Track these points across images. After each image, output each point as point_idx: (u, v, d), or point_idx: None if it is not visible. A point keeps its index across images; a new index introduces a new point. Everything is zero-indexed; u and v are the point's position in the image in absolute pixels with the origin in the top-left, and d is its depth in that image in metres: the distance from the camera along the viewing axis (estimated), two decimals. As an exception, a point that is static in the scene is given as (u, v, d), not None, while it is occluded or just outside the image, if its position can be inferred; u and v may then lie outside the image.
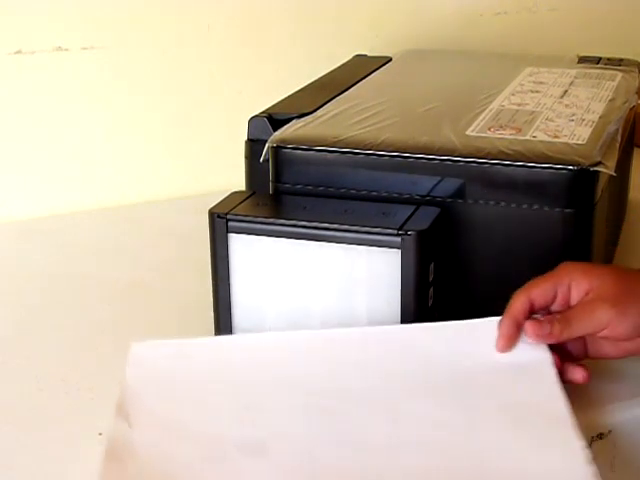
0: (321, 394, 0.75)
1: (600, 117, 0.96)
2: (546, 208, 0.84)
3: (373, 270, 0.83)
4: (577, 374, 0.78)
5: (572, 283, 0.79)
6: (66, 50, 1.21)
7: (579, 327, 0.77)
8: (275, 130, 0.93)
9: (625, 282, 0.79)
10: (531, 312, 0.79)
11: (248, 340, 0.83)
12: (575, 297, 0.79)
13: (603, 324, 0.77)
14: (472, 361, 0.77)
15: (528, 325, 0.77)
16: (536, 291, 0.79)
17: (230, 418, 0.73)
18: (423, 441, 0.70)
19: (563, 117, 0.95)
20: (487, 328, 0.79)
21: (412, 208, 0.85)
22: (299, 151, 0.90)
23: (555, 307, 0.80)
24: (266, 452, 0.69)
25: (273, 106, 1.00)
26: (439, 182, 0.87)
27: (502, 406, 0.73)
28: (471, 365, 0.77)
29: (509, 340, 0.78)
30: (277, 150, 0.90)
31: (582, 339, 0.80)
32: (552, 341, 0.77)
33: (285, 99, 1.03)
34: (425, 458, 0.68)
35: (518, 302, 0.79)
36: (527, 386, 0.75)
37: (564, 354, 0.80)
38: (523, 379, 0.76)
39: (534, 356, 0.77)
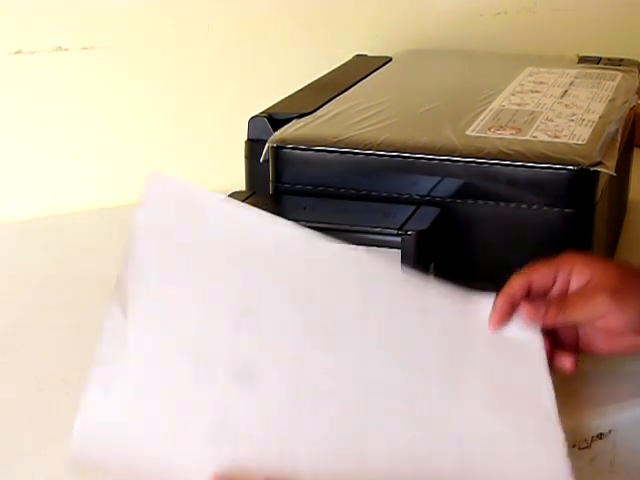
0: (322, 314, 0.73)
1: (600, 117, 0.96)
2: (546, 208, 0.84)
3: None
4: (566, 362, 0.77)
5: (573, 271, 0.78)
6: (66, 50, 1.21)
7: (575, 313, 0.77)
8: (275, 130, 0.93)
9: (627, 276, 0.78)
10: (529, 294, 0.78)
11: (265, 221, 0.76)
12: (575, 285, 0.78)
13: (600, 313, 0.76)
14: (465, 334, 0.76)
15: (523, 305, 0.77)
16: (536, 274, 0.78)
17: (228, 326, 0.71)
18: (406, 409, 0.70)
19: (563, 117, 0.95)
20: (484, 304, 0.78)
21: (412, 208, 0.85)
22: (299, 151, 0.90)
23: (554, 293, 0.79)
24: (254, 382, 0.69)
25: (273, 106, 1.00)
26: (439, 182, 0.87)
27: (487, 384, 0.73)
28: (463, 338, 0.76)
29: (502, 317, 0.77)
30: (277, 150, 0.90)
31: (574, 330, 0.79)
32: (547, 324, 0.76)
33: (285, 99, 1.03)
34: (407, 427, 0.69)
35: (516, 282, 0.78)
36: (515, 367, 0.75)
37: (555, 342, 0.79)
38: (512, 360, 0.75)
39: (526, 338, 0.76)
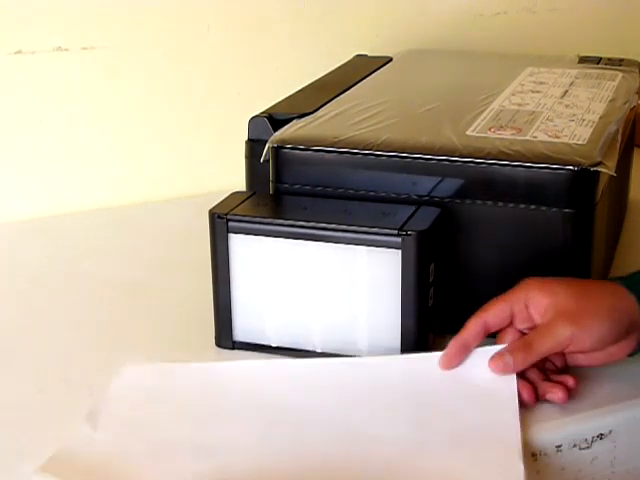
0: (283, 412, 0.77)
1: (600, 117, 0.96)
2: (546, 208, 0.84)
3: (373, 270, 0.83)
4: (556, 395, 0.78)
5: (529, 301, 0.79)
6: (66, 50, 1.21)
7: (541, 349, 0.78)
8: (275, 130, 0.93)
9: (584, 295, 0.79)
10: (487, 334, 0.80)
11: (231, 368, 0.84)
12: (535, 315, 0.79)
13: (565, 341, 0.77)
14: (435, 387, 0.79)
15: (490, 361, 0.78)
16: (490, 313, 0.80)
17: (192, 429, 0.76)
18: (370, 457, 0.72)
19: (563, 117, 0.95)
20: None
21: (412, 208, 0.85)
22: (299, 151, 0.90)
23: (519, 325, 0.80)
24: (215, 454, 0.72)
25: (273, 106, 1.00)
26: (439, 182, 0.87)
27: (455, 430, 0.74)
28: (433, 390, 0.79)
29: (450, 360, 0.79)
30: (277, 150, 0.90)
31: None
32: (518, 370, 0.78)
33: (285, 99, 1.03)
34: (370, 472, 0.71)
35: (470, 325, 0.80)
36: (486, 414, 0.76)
37: (547, 366, 0.81)
38: (484, 407, 0.76)
39: (500, 384, 0.78)
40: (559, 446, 0.77)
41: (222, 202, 0.88)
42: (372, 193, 0.88)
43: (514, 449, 0.72)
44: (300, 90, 1.07)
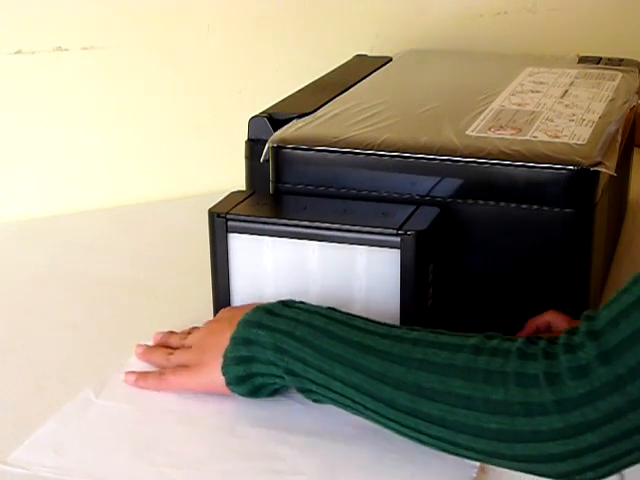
0: None
1: (600, 117, 0.96)
2: (546, 208, 0.84)
3: (373, 270, 0.83)
4: None
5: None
6: (66, 50, 1.21)
7: None
8: (275, 130, 0.93)
9: None
10: None
11: None
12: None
13: None
14: None
15: None
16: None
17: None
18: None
19: (563, 117, 0.95)
20: None
21: (412, 208, 0.85)
22: (299, 151, 0.90)
23: None
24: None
25: (273, 106, 1.00)
26: (439, 182, 0.87)
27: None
28: None
29: None
30: (277, 150, 0.90)
31: None
32: None
33: (285, 99, 1.03)
34: None
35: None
36: None
37: None
38: None
39: None
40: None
41: (222, 201, 0.88)
42: (372, 193, 0.88)
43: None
44: (300, 90, 1.07)
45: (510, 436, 0.64)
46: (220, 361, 0.79)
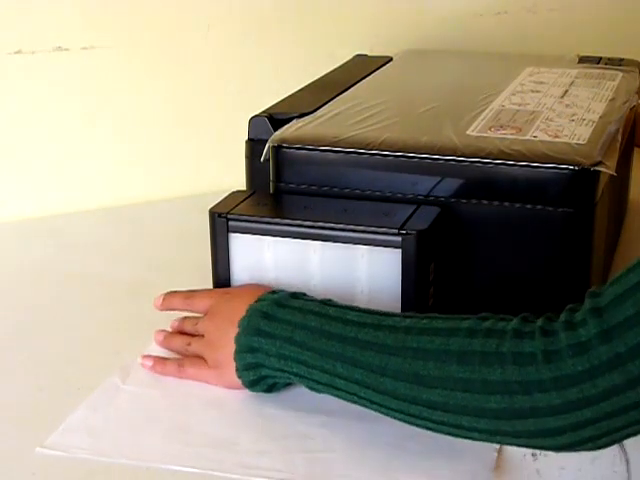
0: None
1: (600, 117, 0.96)
2: (546, 208, 0.84)
3: (374, 270, 0.83)
4: None
5: None
6: (66, 50, 1.21)
7: None
8: (275, 130, 0.93)
9: None
10: None
11: None
12: None
13: None
14: None
15: None
16: None
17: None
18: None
19: (563, 117, 0.95)
20: None
21: (412, 208, 0.85)
22: (300, 151, 0.90)
23: None
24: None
25: (273, 106, 1.00)
26: (439, 182, 0.87)
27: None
28: None
29: None
30: (278, 150, 0.90)
31: None
32: None
33: (285, 99, 1.03)
34: None
35: None
36: None
37: None
38: None
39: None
40: (559, 446, 0.77)
41: (222, 201, 0.88)
42: (372, 193, 0.88)
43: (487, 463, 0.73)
44: (300, 90, 1.07)
45: (510, 414, 0.65)
46: (233, 364, 0.80)
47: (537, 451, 0.76)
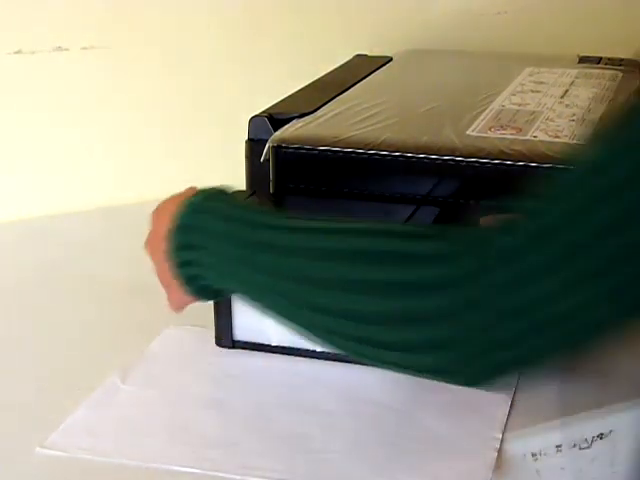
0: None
1: (601, 117, 0.96)
2: (546, 208, 0.84)
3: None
4: None
5: None
6: (66, 50, 1.21)
7: None
8: (275, 130, 0.93)
9: None
10: None
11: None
12: None
13: None
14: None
15: None
16: None
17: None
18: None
19: (564, 117, 0.95)
20: None
21: (412, 208, 0.86)
22: (300, 151, 0.90)
23: None
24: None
25: (273, 106, 1.00)
26: (439, 182, 0.87)
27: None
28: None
29: None
30: (278, 150, 0.90)
31: None
32: None
33: (285, 99, 1.03)
34: None
35: None
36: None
37: None
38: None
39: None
40: (559, 446, 0.77)
41: (222, 202, 0.88)
42: (372, 193, 0.88)
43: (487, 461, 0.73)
44: (300, 90, 1.07)
45: (399, 317, 0.61)
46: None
47: (537, 451, 0.76)
